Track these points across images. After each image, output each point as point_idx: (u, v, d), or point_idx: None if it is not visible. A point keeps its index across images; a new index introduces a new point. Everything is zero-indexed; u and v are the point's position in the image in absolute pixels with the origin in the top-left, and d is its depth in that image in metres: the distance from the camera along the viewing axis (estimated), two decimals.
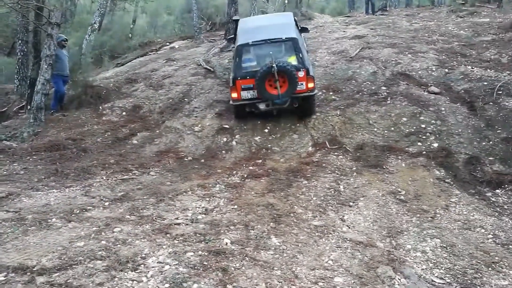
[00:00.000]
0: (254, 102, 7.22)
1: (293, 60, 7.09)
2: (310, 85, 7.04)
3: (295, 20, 8.29)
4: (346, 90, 8.27)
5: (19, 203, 4.55)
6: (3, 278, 2.99)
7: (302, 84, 6.98)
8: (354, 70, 8.83)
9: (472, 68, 8.42)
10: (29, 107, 8.32)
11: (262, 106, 7.23)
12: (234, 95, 7.17)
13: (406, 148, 6.60)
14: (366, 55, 9.41)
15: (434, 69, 8.63)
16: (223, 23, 13.99)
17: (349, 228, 4.25)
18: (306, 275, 3.23)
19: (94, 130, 7.67)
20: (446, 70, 8.53)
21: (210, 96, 8.46)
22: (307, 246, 3.76)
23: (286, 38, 7.21)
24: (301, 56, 7.09)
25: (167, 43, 14.35)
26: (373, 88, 8.16)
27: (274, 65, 6.67)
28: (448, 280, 3.40)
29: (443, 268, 3.58)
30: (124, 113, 8.44)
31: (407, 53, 9.43)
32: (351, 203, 4.89)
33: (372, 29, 11.94)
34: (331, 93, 8.25)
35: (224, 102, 8.30)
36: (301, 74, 6.94)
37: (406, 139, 6.84)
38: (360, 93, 8.09)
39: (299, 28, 8.43)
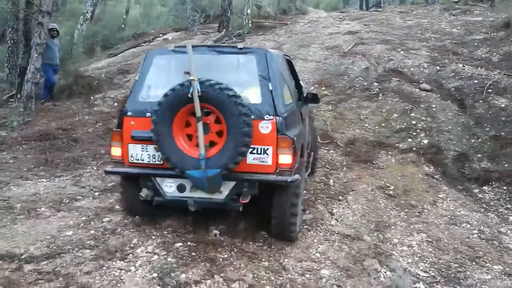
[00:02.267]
0: (155, 175, 3.52)
1: (252, 95, 3.44)
2: (284, 158, 3.33)
3: (289, 63, 4.65)
4: (338, 86, 8.31)
5: (8, 192, 4.52)
6: None
7: (264, 153, 3.33)
8: (346, 66, 8.87)
9: (463, 66, 8.50)
10: (19, 96, 8.23)
11: (168, 188, 3.51)
12: (116, 151, 3.60)
13: (397, 144, 6.66)
14: (359, 51, 9.45)
15: (426, 66, 8.69)
16: (217, 16, 13.92)
17: (337, 221, 4.29)
18: (293, 267, 3.27)
19: (85, 120, 7.61)
20: (438, 67, 8.60)
21: None
22: None
23: (244, 49, 3.71)
24: (271, 89, 3.41)
25: (160, 35, 14.27)
26: (365, 84, 8.20)
27: (196, 83, 3.15)
28: (433, 274, 3.46)
29: (428, 262, 3.63)
30: (116, 103, 8.38)
31: (399, 49, 9.49)
32: (340, 197, 4.94)
33: (365, 25, 11.98)
34: (323, 88, 8.28)
35: None
36: (265, 126, 3.30)
37: (396, 135, 6.90)
38: (352, 89, 8.13)
39: (303, 94, 4.80)
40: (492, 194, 5.45)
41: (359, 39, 10.27)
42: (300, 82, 5.00)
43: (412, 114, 7.24)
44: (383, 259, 3.57)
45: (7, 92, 9.43)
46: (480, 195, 5.43)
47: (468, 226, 4.42)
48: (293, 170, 3.36)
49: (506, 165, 5.97)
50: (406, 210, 4.69)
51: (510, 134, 6.53)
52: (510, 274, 3.54)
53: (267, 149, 3.30)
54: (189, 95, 3.14)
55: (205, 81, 3.19)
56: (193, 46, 3.46)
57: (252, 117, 3.21)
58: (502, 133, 6.57)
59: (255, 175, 3.34)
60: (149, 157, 3.49)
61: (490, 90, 7.50)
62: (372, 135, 6.92)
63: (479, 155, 6.31)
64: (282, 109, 3.39)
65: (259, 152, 3.32)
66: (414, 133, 6.86)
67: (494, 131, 6.67)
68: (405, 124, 7.07)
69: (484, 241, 4.12)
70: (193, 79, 3.12)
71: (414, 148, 6.49)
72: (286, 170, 3.31)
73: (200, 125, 3.18)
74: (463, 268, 3.57)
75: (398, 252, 3.76)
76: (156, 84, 3.64)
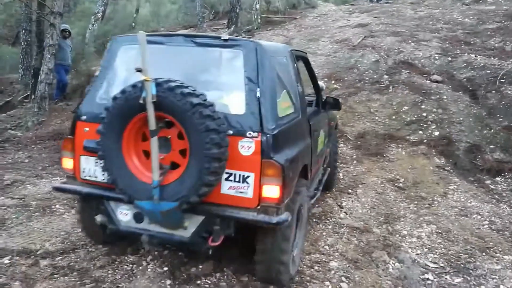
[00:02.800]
0: (108, 198, 2.84)
1: (234, 103, 2.70)
2: (270, 190, 2.55)
3: (302, 60, 3.93)
4: (348, 79, 8.26)
5: (24, 190, 4.65)
6: (8, 261, 3.09)
7: (244, 181, 2.57)
8: (356, 59, 8.80)
9: (476, 56, 8.36)
10: (33, 96, 8.42)
11: (123, 216, 2.84)
12: (67, 163, 2.96)
13: (407, 137, 6.61)
14: (368, 44, 9.37)
15: (437, 57, 8.58)
16: (226, 12, 13.95)
17: (347, 214, 4.30)
18: (302, 259, 3.30)
19: None
20: (449, 58, 8.47)
21: None
22: None
23: (230, 40, 2.80)
24: (259, 97, 2.63)
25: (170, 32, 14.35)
26: (375, 76, 8.14)
27: (150, 85, 2.38)
28: (442, 265, 3.46)
29: (437, 253, 3.63)
30: None
31: (410, 41, 9.37)
32: (349, 190, 4.95)
33: (375, 17, 11.84)
34: (333, 82, 8.25)
35: None
36: (246, 146, 2.57)
37: (407, 128, 6.85)
38: (362, 82, 8.08)
39: (321, 99, 4.20)
40: (505, 185, 5.39)
41: (369, 32, 10.18)
42: (320, 84, 4.23)
43: (423, 106, 7.17)
44: (391, 250, 3.58)
45: (21, 93, 9.66)
46: (492, 186, 5.37)
47: (479, 217, 4.39)
48: (282, 206, 2.54)
49: None
50: (416, 202, 4.68)
51: None
52: None
53: (248, 176, 2.50)
54: (141, 101, 2.36)
55: (163, 83, 2.37)
56: (165, 35, 2.99)
57: (230, 132, 2.47)
58: None
59: (229, 210, 2.54)
60: (103, 175, 2.70)
61: (503, 80, 7.36)
62: (382, 128, 6.88)
63: (491, 146, 6.23)
64: (272, 124, 2.55)
65: (237, 179, 2.52)
66: (425, 125, 6.79)
67: (507, 122, 6.56)
68: (415, 116, 7.00)
69: (495, 231, 4.09)
70: (147, 80, 2.32)
71: (425, 140, 6.44)
72: (272, 206, 2.50)
73: (154, 141, 2.40)
74: (472, 258, 3.55)
75: (407, 243, 3.76)
76: (121, 81, 2.78)
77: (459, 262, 3.51)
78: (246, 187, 2.52)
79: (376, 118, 7.16)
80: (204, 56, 2.82)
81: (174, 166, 2.52)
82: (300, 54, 3.83)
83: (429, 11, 12.43)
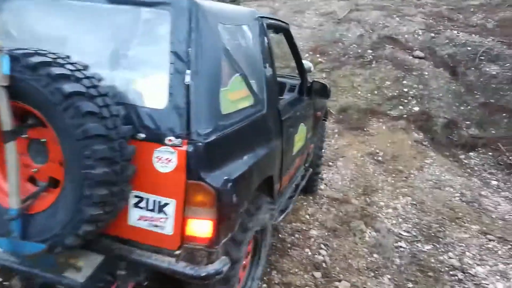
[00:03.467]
0: None
1: (151, 91, 1.75)
2: (198, 226, 1.71)
3: (282, 32, 3.11)
4: (332, 53, 8.32)
5: None
6: None
7: (160, 210, 1.71)
8: (341, 33, 8.83)
9: (458, 33, 8.49)
10: None
11: None
12: None
13: (388, 112, 6.79)
14: (354, 18, 9.37)
15: (420, 33, 8.67)
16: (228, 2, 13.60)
17: (327, 186, 4.48)
18: (284, 227, 3.47)
19: None
20: (433, 34, 8.59)
21: None
22: None
23: None
24: (188, 83, 1.67)
25: None
26: (359, 51, 8.21)
27: (1, 60, 1.43)
28: (414, 233, 3.69)
29: (411, 223, 3.86)
30: None
31: (395, 16, 9.41)
32: (330, 163, 5.12)
33: None
34: (317, 55, 8.30)
35: None
36: (164, 158, 1.66)
37: (388, 103, 7.02)
38: (346, 56, 8.15)
39: (306, 83, 3.33)
40: (478, 159, 5.66)
41: (354, 6, 10.15)
42: (306, 64, 3.43)
43: (405, 82, 7.32)
44: (369, 220, 3.79)
45: None
46: (465, 161, 5.64)
47: (451, 189, 4.64)
48: (217, 249, 1.76)
49: (493, 132, 6.16)
50: (394, 175, 4.89)
51: (499, 101, 6.68)
52: (486, 233, 3.79)
53: (166, 204, 1.69)
54: None
55: (22, 56, 1.47)
56: None
57: (142, 136, 1.67)
58: (492, 100, 6.71)
59: (138, 252, 1.77)
60: None
61: (483, 58, 7.55)
62: (364, 102, 7.03)
63: (467, 122, 6.48)
64: (206, 125, 1.71)
65: (150, 207, 1.72)
66: (406, 101, 6.98)
67: (484, 98, 6.80)
68: (397, 91, 7.17)
69: (464, 203, 4.35)
70: None
71: (405, 116, 6.64)
72: (201, 249, 1.72)
73: (10, 149, 1.57)
74: (443, 228, 3.80)
75: (384, 214, 3.98)
76: None
77: (430, 231, 3.75)
78: (163, 219, 1.70)
79: (359, 93, 7.29)
80: (113, 16, 1.84)
81: (53, 184, 1.67)
82: (277, 24, 2.83)
83: None
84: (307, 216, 3.75)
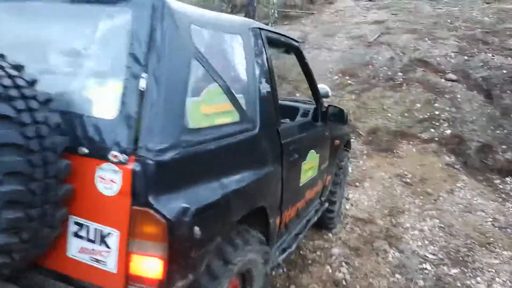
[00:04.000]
0: None
1: (104, 98, 1.50)
2: (145, 265, 1.38)
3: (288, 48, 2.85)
4: (362, 75, 8.34)
5: None
6: None
7: (102, 241, 1.41)
8: (371, 55, 8.85)
9: (493, 56, 8.32)
10: None
11: None
12: None
13: (419, 134, 6.69)
14: (384, 41, 9.40)
15: (453, 56, 8.56)
16: (244, 6, 14.08)
17: (352, 206, 4.44)
18: (305, 245, 3.47)
19: None
20: (466, 57, 8.45)
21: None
22: None
23: None
24: (143, 89, 1.41)
25: None
26: (389, 73, 8.19)
27: None
28: (441, 256, 3.58)
29: (437, 246, 3.75)
30: None
31: (426, 39, 9.36)
32: (357, 184, 5.08)
33: (393, 14, 11.80)
34: (347, 77, 8.34)
35: None
36: (107, 178, 1.38)
37: (419, 125, 6.92)
38: (376, 78, 8.14)
39: (321, 108, 3.12)
40: None
41: (385, 29, 10.18)
42: (322, 88, 3.13)
43: (436, 104, 7.21)
44: (393, 241, 3.72)
45: None
46: (500, 186, 5.42)
47: (483, 214, 4.48)
48: None
49: None
50: (422, 197, 4.78)
51: None
52: None
53: (109, 234, 1.41)
54: None
55: None
56: None
57: (84, 151, 1.43)
58: None
59: None
60: None
61: None
62: (394, 124, 6.96)
63: (503, 146, 6.26)
64: (163, 140, 1.43)
65: (91, 237, 1.44)
66: (437, 124, 6.85)
67: None
68: (428, 114, 7.06)
69: (497, 228, 4.18)
70: None
71: (437, 138, 6.51)
72: None
73: None
74: (472, 252, 3.67)
75: (409, 235, 3.89)
76: None
77: (458, 255, 3.63)
78: (105, 252, 1.41)
79: (389, 115, 7.24)
80: (69, 15, 1.65)
81: None
82: (282, 40, 2.56)
83: (448, 9, 12.31)
84: (330, 235, 3.74)
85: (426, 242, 3.80)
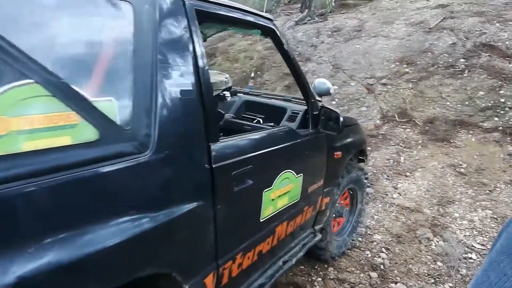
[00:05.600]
0: None
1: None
2: None
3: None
4: (420, 63, 8.05)
5: None
6: None
7: None
8: (431, 42, 8.49)
9: None
10: None
11: None
12: None
13: (480, 123, 6.37)
14: (447, 26, 8.94)
15: None
16: None
17: (400, 195, 4.43)
18: None
19: None
20: None
21: (281, 70, 8.83)
22: None
23: None
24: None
25: None
26: (450, 60, 7.82)
27: None
28: (489, 247, 3.49)
29: (487, 237, 3.65)
30: None
31: (495, 21, 8.75)
32: (407, 173, 5.02)
33: None
34: (404, 65, 8.11)
35: None
36: None
37: (481, 114, 6.57)
38: (435, 66, 7.82)
39: (314, 110, 2.36)
40: None
41: (449, 13, 9.66)
42: (321, 84, 2.53)
43: (501, 92, 6.79)
44: (438, 230, 3.69)
45: None
46: None
47: None
48: None
49: None
50: (476, 187, 4.62)
51: None
52: None
53: None
54: None
55: None
56: None
57: None
58: None
59: None
60: None
61: None
62: (453, 113, 6.69)
63: None
64: None
65: None
66: (502, 112, 6.46)
67: None
68: (492, 102, 6.68)
69: None
70: None
71: (500, 128, 6.16)
72: None
73: None
74: None
75: (457, 225, 3.82)
76: None
77: (509, 247, 3.51)
78: None
79: (448, 103, 6.96)
80: None
81: None
82: (240, 18, 1.83)
83: None
84: (374, 222, 3.80)
85: (475, 232, 3.71)
